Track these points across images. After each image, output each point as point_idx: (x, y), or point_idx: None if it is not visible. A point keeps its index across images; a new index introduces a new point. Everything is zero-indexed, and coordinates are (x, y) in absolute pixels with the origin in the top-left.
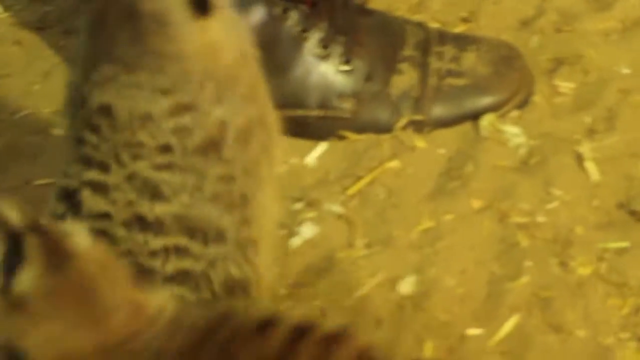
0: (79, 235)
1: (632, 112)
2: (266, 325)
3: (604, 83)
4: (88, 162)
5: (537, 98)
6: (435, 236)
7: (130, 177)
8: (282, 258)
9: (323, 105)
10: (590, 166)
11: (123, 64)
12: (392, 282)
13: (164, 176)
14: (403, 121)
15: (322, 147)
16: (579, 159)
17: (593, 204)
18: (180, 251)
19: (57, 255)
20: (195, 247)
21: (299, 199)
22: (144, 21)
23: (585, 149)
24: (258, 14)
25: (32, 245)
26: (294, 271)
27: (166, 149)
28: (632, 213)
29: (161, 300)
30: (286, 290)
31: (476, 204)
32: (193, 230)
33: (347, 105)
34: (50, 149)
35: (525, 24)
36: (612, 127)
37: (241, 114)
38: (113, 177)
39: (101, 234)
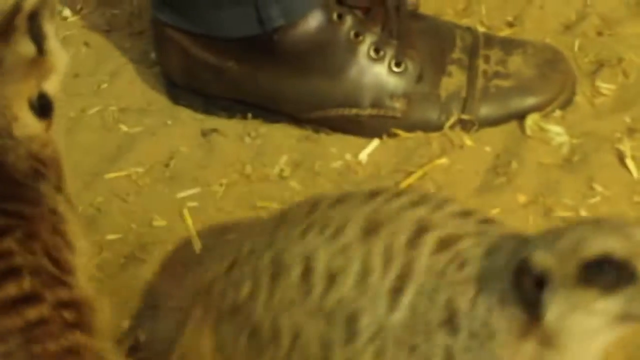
0: None
1: None
2: None
3: None
4: None
5: (579, 99)
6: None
7: None
8: None
9: (376, 104)
10: (630, 163)
11: None
12: None
13: None
14: (452, 120)
15: (374, 144)
16: (620, 156)
17: (634, 199)
18: None
19: None
20: None
21: None
22: None
23: (625, 147)
24: (315, 18)
25: None
26: None
27: None
28: None
29: None
30: None
31: (522, 198)
32: None
33: (399, 105)
34: (117, 145)
35: (568, 27)
36: None
37: None
38: None
39: None
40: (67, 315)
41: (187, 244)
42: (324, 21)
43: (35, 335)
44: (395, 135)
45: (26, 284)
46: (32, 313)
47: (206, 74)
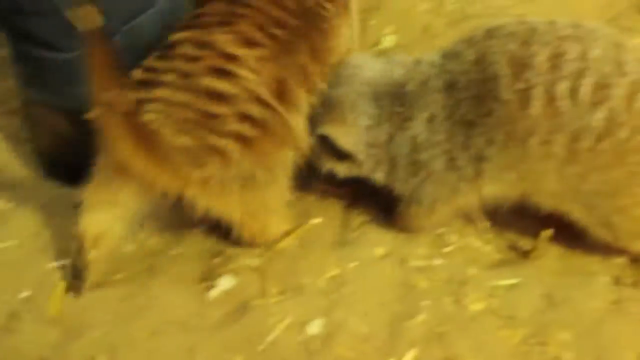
0: None
1: None
2: None
3: None
4: None
5: None
6: (341, 282)
7: None
8: (200, 308)
9: None
10: (477, 215)
11: None
12: (302, 325)
13: None
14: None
15: None
16: None
17: (485, 249)
18: None
19: None
20: None
21: (217, 255)
22: None
23: None
24: None
25: None
26: (212, 320)
27: None
28: (521, 252)
29: None
30: (202, 338)
31: (378, 251)
32: None
33: None
34: None
35: None
36: None
37: None
38: None
39: None
40: None
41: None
42: None
43: None
44: None
45: None
46: None
47: (69, 147)
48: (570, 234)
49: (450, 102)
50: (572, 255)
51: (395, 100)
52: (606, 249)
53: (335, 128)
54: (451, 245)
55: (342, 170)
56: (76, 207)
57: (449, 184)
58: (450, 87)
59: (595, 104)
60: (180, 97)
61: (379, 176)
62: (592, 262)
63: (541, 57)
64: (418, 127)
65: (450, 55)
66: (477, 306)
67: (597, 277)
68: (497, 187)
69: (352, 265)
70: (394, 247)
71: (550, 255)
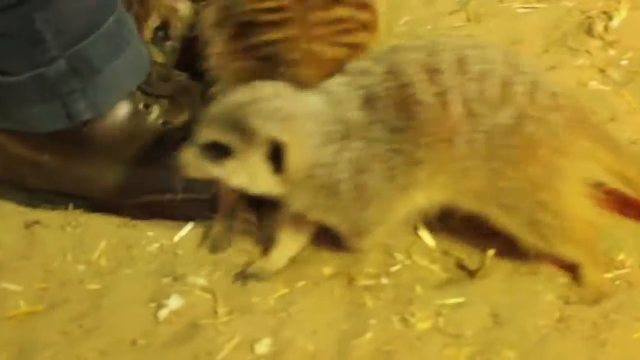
0: None
1: None
2: None
3: None
4: None
5: None
6: (290, 301)
7: None
8: (150, 328)
9: (188, 189)
10: (424, 235)
11: None
12: (251, 344)
13: None
14: None
15: (188, 227)
16: (416, 227)
17: (432, 267)
18: None
19: None
20: None
21: (167, 275)
22: None
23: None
24: (123, 110)
25: None
26: (162, 340)
27: None
28: (468, 272)
29: None
30: (152, 357)
31: (327, 270)
32: None
33: (210, 188)
34: None
35: None
36: None
37: None
38: None
39: None
40: None
41: None
42: (131, 112)
43: None
44: (209, 217)
45: None
46: None
47: (24, 168)
48: (516, 254)
49: (373, 115)
50: (518, 275)
51: (330, 122)
52: (551, 268)
53: (293, 138)
54: (399, 264)
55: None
56: (28, 227)
57: (389, 195)
58: (369, 101)
59: (503, 102)
60: None
61: (300, 202)
62: (538, 281)
63: (448, 63)
64: (357, 145)
65: (356, 73)
66: (424, 325)
67: (543, 296)
68: (429, 192)
69: (300, 284)
70: (342, 266)
71: (497, 275)
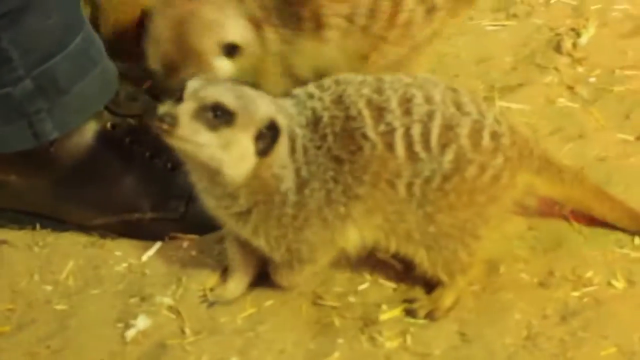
0: None
1: None
2: None
3: None
4: None
5: None
6: (257, 321)
7: None
8: (117, 348)
9: (156, 207)
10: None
11: None
12: None
13: None
14: None
15: (156, 246)
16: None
17: (400, 287)
18: None
19: None
20: None
21: (134, 295)
22: None
23: None
24: (90, 129)
25: None
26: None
27: None
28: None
29: None
30: None
31: (294, 289)
32: None
33: (179, 207)
34: None
35: None
36: None
37: None
38: None
39: None
40: None
41: None
42: (98, 131)
43: None
44: (175, 237)
45: None
46: None
47: None
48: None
49: (317, 138)
50: (485, 293)
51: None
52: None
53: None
54: (366, 282)
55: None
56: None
57: (326, 222)
58: (314, 122)
59: (445, 145)
60: None
61: (245, 201)
62: (505, 299)
63: (395, 102)
64: (301, 159)
65: (303, 95)
66: (392, 343)
67: (510, 313)
68: (362, 230)
69: (268, 303)
70: (310, 285)
71: (465, 293)
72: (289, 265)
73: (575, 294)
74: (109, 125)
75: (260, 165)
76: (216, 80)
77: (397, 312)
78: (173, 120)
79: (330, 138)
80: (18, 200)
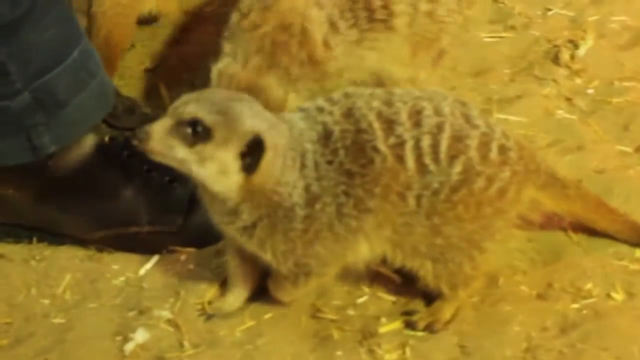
0: None
1: None
2: None
3: None
4: None
5: None
6: (257, 333)
7: None
8: None
9: (153, 221)
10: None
11: None
12: None
13: None
14: None
15: (154, 260)
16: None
17: (399, 300)
18: None
19: None
20: None
21: (132, 308)
22: None
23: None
24: (87, 143)
25: None
26: None
27: None
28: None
29: None
30: None
31: (293, 302)
32: None
33: (176, 220)
34: None
35: None
36: None
37: None
38: None
39: None
40: None
41: None
42: (96, 144)
43: None
44: (173, 250)
45: None
46: None
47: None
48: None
49: (328, 152)
50: (485, 305)
51: (293, 147)
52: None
53: (272, 143)
54: (365, 295)
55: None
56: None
57: (338, 236)
58: (325, 137)
59: (454, 157)
60: None
61: (249, 216)
62: (505, 311)
63: (404, 114)
64: (311, 175)
65: (313, 109)
66: (391, 356)
67: (510, 325)
68: (373, 243)
69: (267, 316)
70: (309, 297)
71: (464, 305)
72: (295, 279)
73: (575, 306)
74: (106, 138)
75: (251, 182)
76: (212, 92)
77: (396, 324)
78: (146, 135)
79: (341, 152)
80: (15, 214)
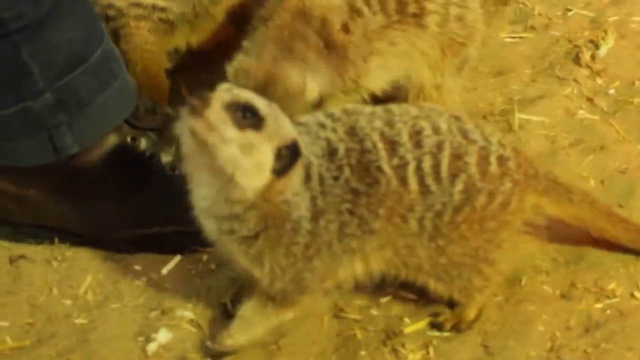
0: None
1: None
2: None
3: None
4: None
5: None
6: (280, 334)
7: None
8: None
9: (175, 221)
10: None
11: None
12: None
13: None
14: None
15: (176, 260)
16: None
17: (419, 301)
18: None
19: None
20: None
21: (154, 309)
22: None
23: None
24: (109, 143)
25: None
26: None
27: None
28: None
29: None
30: None
31: (317, 302)
32: None
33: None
34: None
35: None
36: None
37: None
38: None
39: None
40: None
41: None
42: (118, 145)
43: None
44: (195, 250)
45: None
46: None
47: (9, 203)
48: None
49: (333, 166)
50: (508, 304)
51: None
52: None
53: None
54: (388, 295)
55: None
56: (13, 262)
57: (335, 255)
58: (330, 153)
59: (455, 176)
60: None
61: (254, 224)
62: (529, 311)
63: (405, 135)
64: (316, 188)
65: (313, 124)
66: (414, 356)
67: (534, 325)
68: (371, 264)
69: (290, 317)
70: (332, 298)
71: (488, 305)
72: (284, 297)
73: (598, 305)
74: (128, 138)
75: (272, 187)
76: None
77: (420, 324)
78: (205, 102)
79: (347, 170)
80: (37, 215)
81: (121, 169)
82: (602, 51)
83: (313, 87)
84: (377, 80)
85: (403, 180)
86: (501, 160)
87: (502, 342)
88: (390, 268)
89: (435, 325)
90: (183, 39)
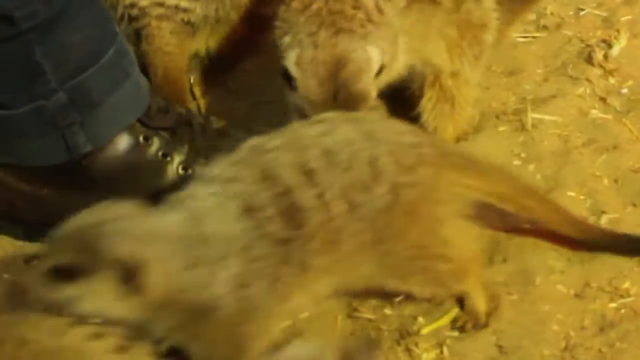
0: None
1: None
2: None
3: None
4: None
5: None
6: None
7: None
8: None
9: None
10: None
11: None
12: None
13: None
14: None
15: None
16: None
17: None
18: None
19: None
20: None
21: None
22: None
23: None
24: (122, 142)
25: None
26: None
27: None
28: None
29: None
30: None
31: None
32: None
33: None
34: None
35: None
36: None
37: None
38: None
39: None
40: None
41: None
42: (131, 144)
43: None
44: None
45: None
46: None
47: (23, 202)
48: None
49: (254, 229)
50: (523, 303)
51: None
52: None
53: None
54: (402, 295)
55: None
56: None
57: (268, 308)
58: (247, 211)
59: (375, 180)
60: None
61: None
62: (543, 310)
63: (317, 160)
64: (237, 263)
65: (222, 180)
66: (428, 355)
67: (548, 324)
68: (312, 292)
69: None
70: (345, 297)
71: (502, 304)
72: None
73: (613, 305)
74: (141, 138)
75: (149, 298)
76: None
77: (434, 324)
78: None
79: (272, 222)
80: (50, 215)
81: (133, 169)
82: (615, 51)
83: (375, 56)
84: (402, 61)
85: (326, 206)
86: (413, 147)
87: (516, 341)
88: (339, 286)
89: (455, 328)
90: (203, 43)
